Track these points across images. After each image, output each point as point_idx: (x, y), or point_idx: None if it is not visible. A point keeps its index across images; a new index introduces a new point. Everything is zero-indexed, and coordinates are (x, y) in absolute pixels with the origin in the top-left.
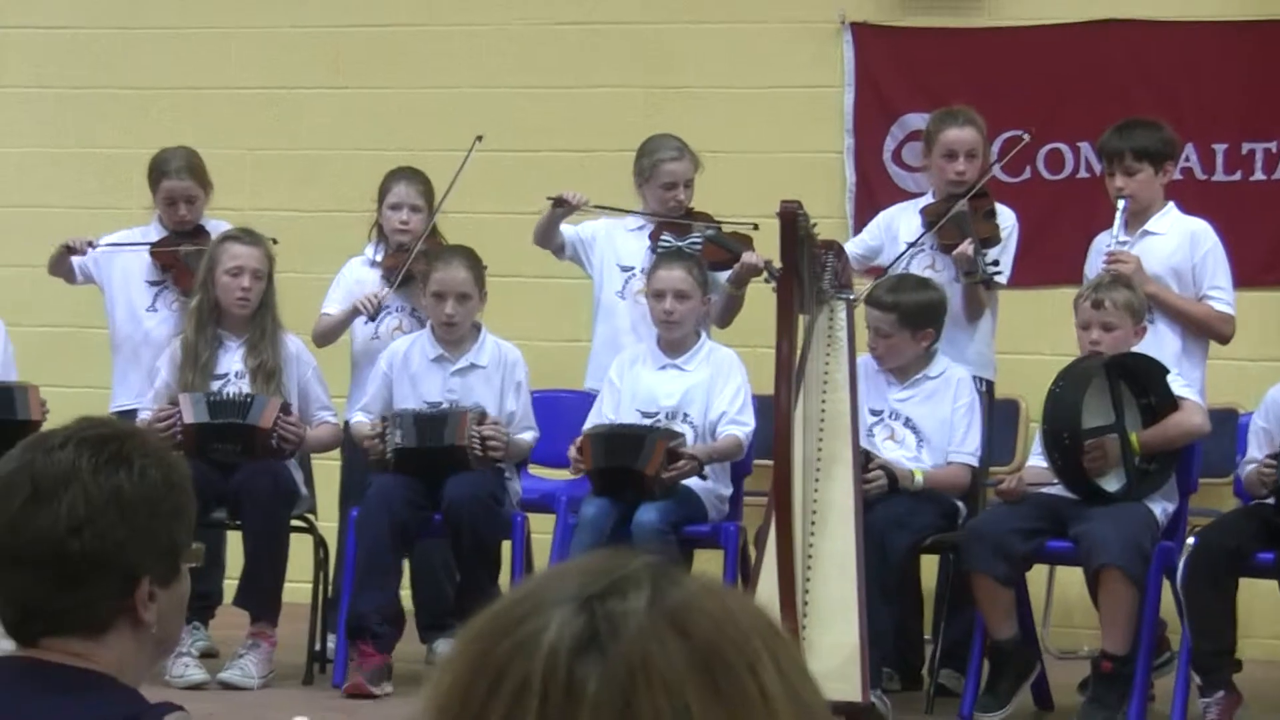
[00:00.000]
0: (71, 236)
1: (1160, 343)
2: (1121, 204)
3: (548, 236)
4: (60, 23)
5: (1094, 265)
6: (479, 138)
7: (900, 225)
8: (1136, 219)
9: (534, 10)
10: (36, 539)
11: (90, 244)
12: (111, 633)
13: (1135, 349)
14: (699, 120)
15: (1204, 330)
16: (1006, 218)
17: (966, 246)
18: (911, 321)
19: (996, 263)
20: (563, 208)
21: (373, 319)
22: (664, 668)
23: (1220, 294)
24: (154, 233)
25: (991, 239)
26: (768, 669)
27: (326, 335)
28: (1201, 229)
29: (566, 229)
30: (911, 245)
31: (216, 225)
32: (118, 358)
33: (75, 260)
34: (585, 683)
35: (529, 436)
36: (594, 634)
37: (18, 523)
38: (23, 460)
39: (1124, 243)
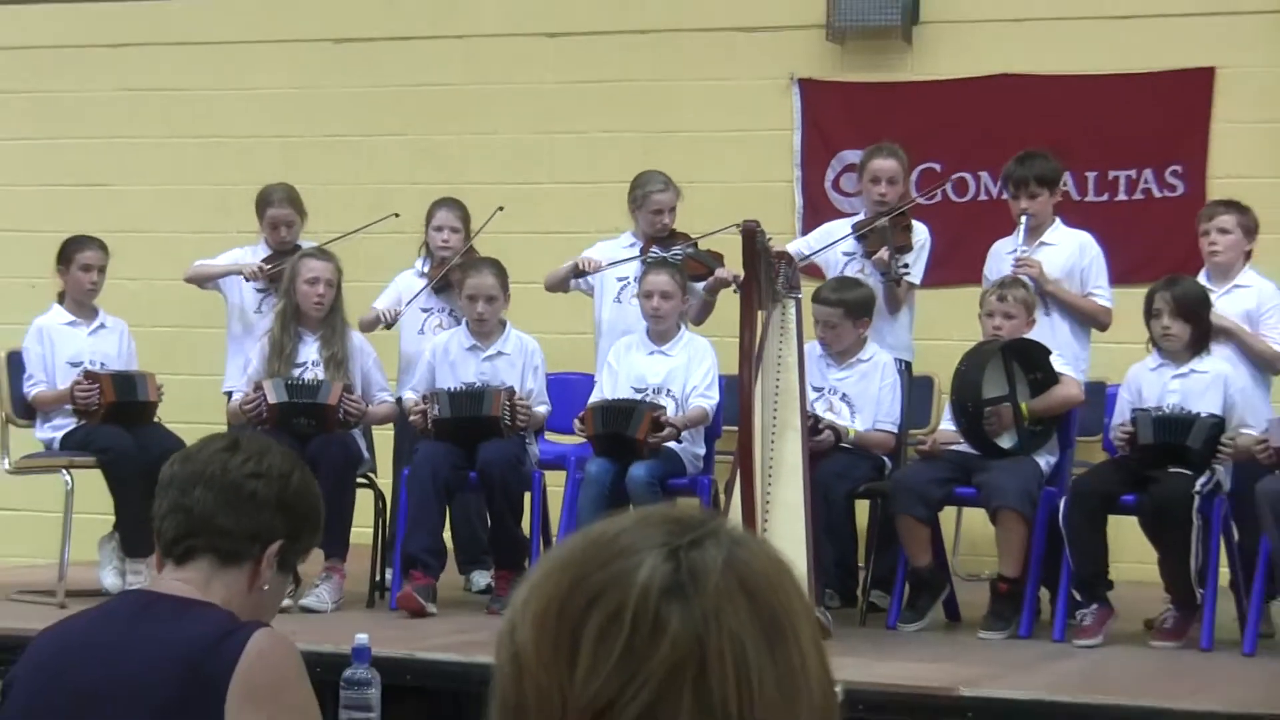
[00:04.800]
0: (246, 266)
1: (1055, 330)
2: (1024, 220)
3: (559, 287)
4: (182, 85)
5: (993, 267)
6: (500, 208)
7: (837, 233)
8: (1034, 233)
9: (559, 72)
10: (226, 471)
11: (261, 268)
12: (232, 571)
13: (1027, 336)
14: (683, 157)
15: (1090, 320)
16: (920, 232)
17: (883, 253)
18: (854, 313)
19: (907, 265)
20: (580, 274)
21: (389, 327)
22: (732, 619)
23: (1102, 291)
24: (261, 251)
25: (905, 247)
26: (806, 633)
27: (362, 328)
28: (1087, 239)
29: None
30: (846, 252)
31: (308, 245)
32: (231, 349)
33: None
34: (669, 620)
35: (544, 409)
36: (679, 581)
37: (215, 459)
38: (226, 435)
39: (1025, 251)
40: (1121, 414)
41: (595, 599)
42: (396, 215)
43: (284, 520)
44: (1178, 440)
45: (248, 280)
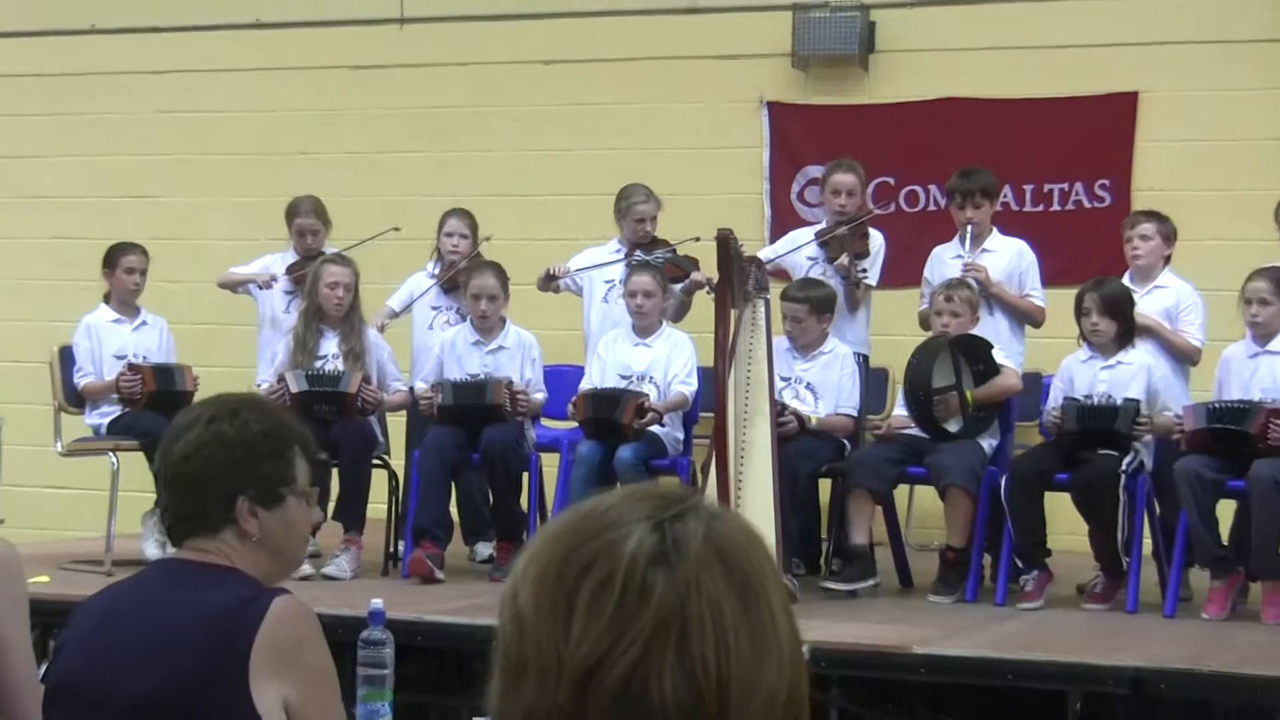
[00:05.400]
0: (245, 273)
1: (997, 326)
2: (969, 229)
3: (545, 289)
4: (217, 108)
5: (933, 269)
6: (488, 237)
7: (801, 240)
8: (977, 240)
9: (553, 95)
10: (166, 463)
11: (274, 279)
12: (226, 534)
13: (972, 332)
14: (663, 172)
15: (1027, 318)
16: (876, 239)
17: (843, 258)
18: (818, 309)
19: (865, 269)
20: (551, 281)
21: (380, 331)
22: (710, 584)
23: (1037, 292)
24: (290, 257)
25: (863, 253)
26: (776, 597)
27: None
28: (1023, 246)
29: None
30: (810, 257)
31: (331, 251)
32: (262, 345)
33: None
34: (654, 586)
35: (540, 397)
36: (664, 550)
37: (166, 454)
38: (174, 420)
39: (971, 257)
40: (1055, 401)
41: (588, 566)
42: (398, 229)
43: (231, 478)
44: (1102, 427)
45: (261, 289)
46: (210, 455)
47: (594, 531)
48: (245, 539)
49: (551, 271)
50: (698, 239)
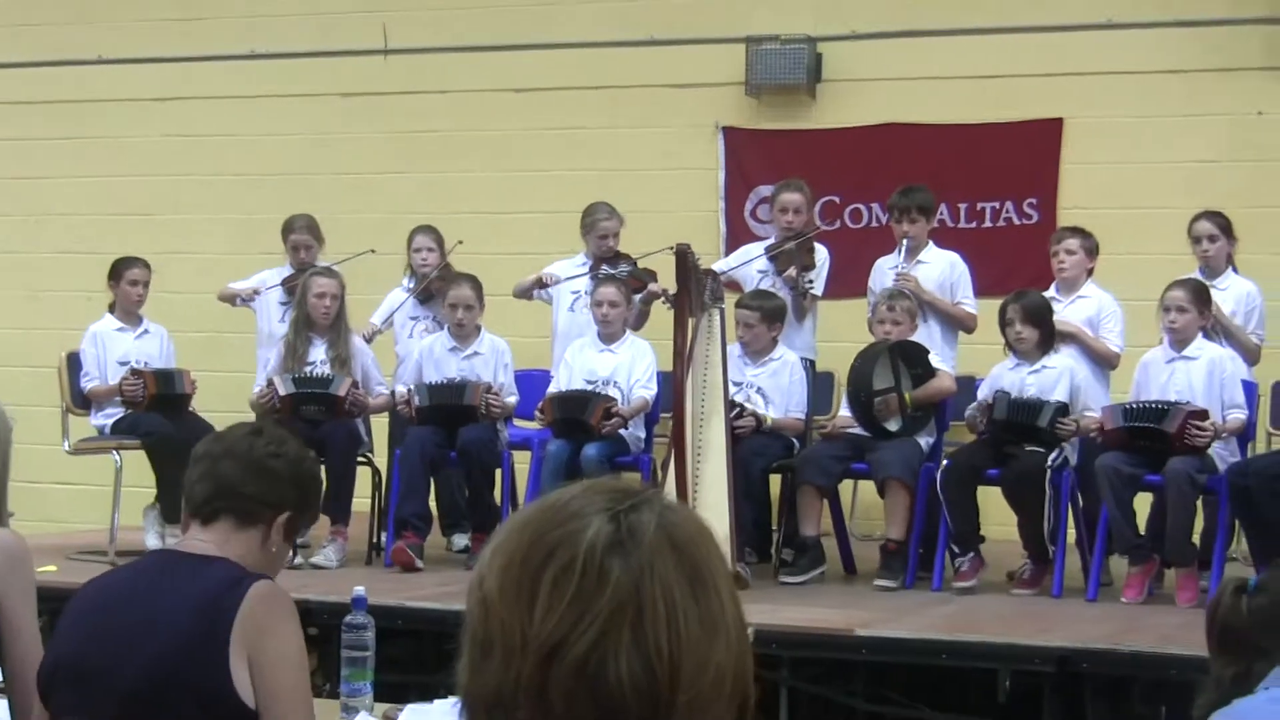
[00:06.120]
0: (242, 287)
1: (931, 333)
2: (905, 242)
3: (523, 295)
4: (217, 132)
5: (876, 279)
6: (460, 241)
7: (753, 254)
8: (913, 252)
9: (525, 121)
10: (252, 449)
11: (256, 292)
12: (247, 532)
13: (911, 339)
14: (626, 191)
15: (959, 325)
16: (821, 253)
17: (792, 271)
18: (768, 318)
19: (812, 281)
20: (542, 286)
21: (369, 341)
22: (663, 570)
23: (969, 301)
24: (286, 270)
25: (809, 266)
26: (723, 582)
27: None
28: (956, 258)
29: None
30: (760, 270)
31: (324, 265)
32: (260, 353)
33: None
34: (611, 571)
35: (513, 399)
36: (620, 539)
37: (243, 440)
38: (252, 423)
39: (905, 268)
40: (983, 397)
41: (551, 553)
42: (373, 251)
43: (295, 494)
44: (1028, 420)
45: (246, 301)
46: (295, 466)
47: (556, 522)
48: (260, 545)
49: (543, 279)
50: (674, 248)
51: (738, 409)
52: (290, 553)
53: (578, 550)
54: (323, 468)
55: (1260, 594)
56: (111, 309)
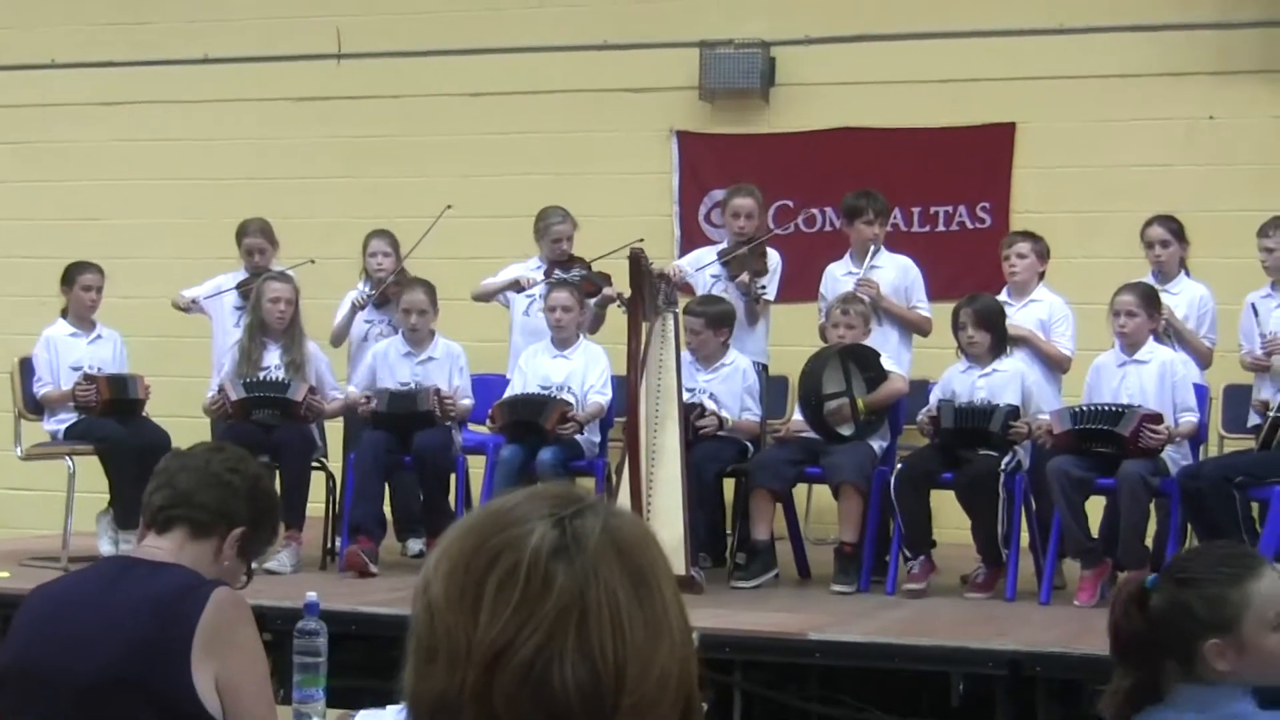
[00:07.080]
0: (183, 296)
1: (887, 337)
2: (872, 246)
3: (488, 298)
4: (167, 136)
5: (827, 285)
6: (449, 206)
7: (705, 259)
8: (865, 256)
9: (478, 125)
10: (210, 464)
11: (194, 301)
12: (201, 543)
13: (864, 342)
14: (580, 195)
15: (914, 328)
16: (773, 258)
17: (744, 276)
18: (714, 324)
19: (764, 286)
20: (519, 289)
21: (336, 346)
22: (607, 575)
23: (923, 305)
24: (240, 275)
25: (761, 271)
26: (667, 586)
27: (334, 339)
28: (909, 262)
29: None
30: (713, 275)
31: (278, 269)
32: (216, 358)
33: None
34: (556, 576)
35: (467, 403)
36: (564, 544)
37: (203, 455)
38: (215, 442)
39: (867, 273)
40: (930, 406)
41: (495, 559)
42: (313, 261)
43: (248, 509)
44: (979, 425)
45: (184, 310)
46: (252, 484)
47: (500, 527)
48: (213, 558)
49: (520, 283)
50: (641, 242)
51: (699, 409)
52: (245, 575)
53: (522, 555)
54: (277, 473)
55: (1157, 593)
56: (64, 314)
